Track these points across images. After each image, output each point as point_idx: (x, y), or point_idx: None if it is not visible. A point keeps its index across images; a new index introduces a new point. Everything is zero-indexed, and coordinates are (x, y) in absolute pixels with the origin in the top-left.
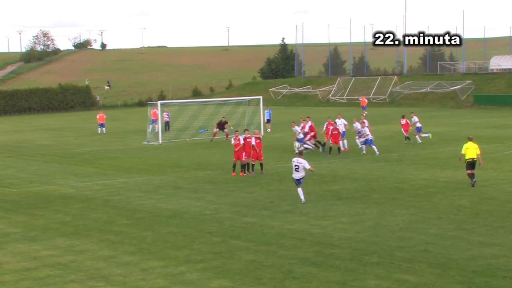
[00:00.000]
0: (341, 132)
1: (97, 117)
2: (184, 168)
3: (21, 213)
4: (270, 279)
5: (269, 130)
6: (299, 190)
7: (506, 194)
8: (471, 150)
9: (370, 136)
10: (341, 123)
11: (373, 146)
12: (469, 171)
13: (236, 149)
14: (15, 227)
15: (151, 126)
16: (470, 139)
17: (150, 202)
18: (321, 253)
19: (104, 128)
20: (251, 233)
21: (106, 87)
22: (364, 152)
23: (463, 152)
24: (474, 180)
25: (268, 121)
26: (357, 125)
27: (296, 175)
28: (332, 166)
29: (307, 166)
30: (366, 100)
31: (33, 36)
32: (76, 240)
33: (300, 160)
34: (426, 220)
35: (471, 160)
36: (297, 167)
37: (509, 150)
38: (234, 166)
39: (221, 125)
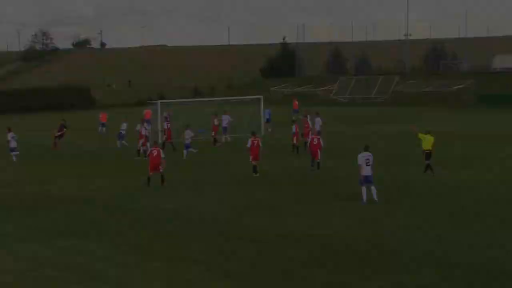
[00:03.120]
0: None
1: (99, 116)
2: (184, 168)
3: (20, 213)
4: (270, 280)
5: (269, 130)
6: (364, 189)
7: (509, 194)
8: (426, 142)
9: (188, 141)
10: (317, 122)
11: (185, 150)
12: (427, 162)
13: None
14: (14, 227)
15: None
16: (428, 132)
17: (149, 202)
18: (322, 254)
19: (105, 128)
20: (251, 233)
21: (114, 85)
22: (184, 157)
23: (421, 138)
24: (426, 172)
25: (268, 120)
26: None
27: (368, 171)
28: (333, 167)
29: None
30: (297, 103)
31: (32, 35)
32: (75, 241)
33: (370, 153)
34: (428, 221)
35: (428, 151)
36: (368, 161)
37: None
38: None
39: (60, 129)
